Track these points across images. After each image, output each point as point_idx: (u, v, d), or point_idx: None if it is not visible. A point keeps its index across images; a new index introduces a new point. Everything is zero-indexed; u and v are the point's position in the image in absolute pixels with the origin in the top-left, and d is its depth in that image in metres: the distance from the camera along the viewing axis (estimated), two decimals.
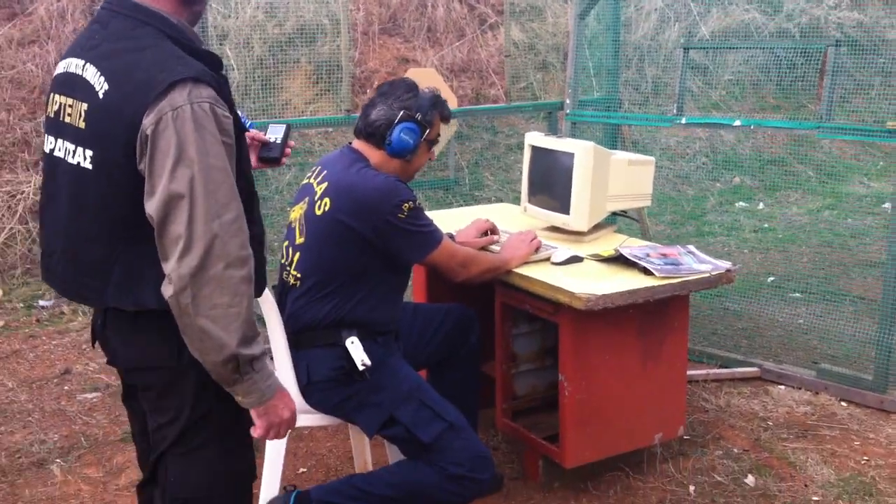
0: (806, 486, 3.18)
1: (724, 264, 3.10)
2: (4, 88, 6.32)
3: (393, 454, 2.89)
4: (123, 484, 3.31)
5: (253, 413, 1.97)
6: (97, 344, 2.12)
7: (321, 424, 2.94)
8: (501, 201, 6.96)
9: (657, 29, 8.82)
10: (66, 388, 4.16)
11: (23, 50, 6.54)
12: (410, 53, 7.88)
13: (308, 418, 2.81)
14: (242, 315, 1.81)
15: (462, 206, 6.07)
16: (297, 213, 2.83)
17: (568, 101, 4.84)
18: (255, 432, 2.00)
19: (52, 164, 1.98)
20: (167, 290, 1.79)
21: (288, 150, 2.57)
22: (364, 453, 3.22)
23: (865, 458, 3.37)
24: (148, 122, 1.77)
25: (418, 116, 2.77)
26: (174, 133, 1.76)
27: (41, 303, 5.26)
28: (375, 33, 7.83)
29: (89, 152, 1.86)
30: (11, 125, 6.14)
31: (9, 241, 5.60)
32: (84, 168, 1.87)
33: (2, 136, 6.08)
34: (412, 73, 5.96)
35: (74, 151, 1.90)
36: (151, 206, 1.78)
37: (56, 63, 6.29)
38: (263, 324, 2.60)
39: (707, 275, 3.03)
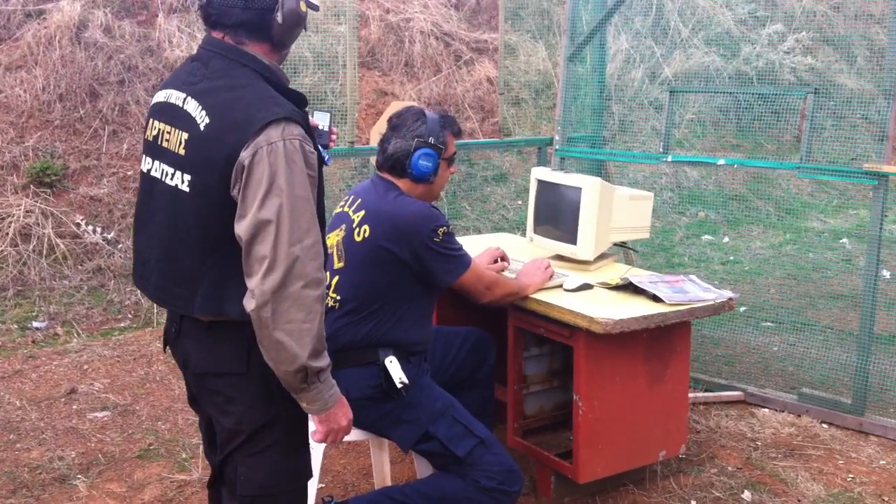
0: (799, 501, 3.42)
1: (727, 293, 3.34)
2: None
3: (422, 468, 3.05)
4: (148, 499, 3.41)
5: (315, 419, 2.14)
6: (168, 349, 2.29)
7: (356, 440, 3.08)
8: (480, 231, 7.20)
9: (623, 69, 9.17)
10: (74, 406, 4.23)
11: (10, 74, 6.59)
12: (389, 87, 8.10)
13: None
14: (314, 330, 1.99)
15: None
16: (333, 239, 3.00)
17: (557, 138, 5.09)
18: (315, 437, 2.19)
19: (150, 183, 2.17)
20: (249, 304, 1.97)
21: (334, 137, 2.67)
22: (383, 469, 3.36)
23: (850, 475, 3.62)
24: (245, 154, 1.96)
25: (431, 140, 2.96)
26: (267, 165, 1.95)
27: (35, 324, 5.30)
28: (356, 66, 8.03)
29: (187, 177, 2.05)
30: (0, 149, 6.18)
31: None
32: (181, 190, 2.06)
33: None
34: (393, 107, 6.15)
35: (173, 175, 2.08)
36: (241, 228, 1.97)
37: (44, 88, 6.42)
38: None
39: (712, 302, 3.26)
